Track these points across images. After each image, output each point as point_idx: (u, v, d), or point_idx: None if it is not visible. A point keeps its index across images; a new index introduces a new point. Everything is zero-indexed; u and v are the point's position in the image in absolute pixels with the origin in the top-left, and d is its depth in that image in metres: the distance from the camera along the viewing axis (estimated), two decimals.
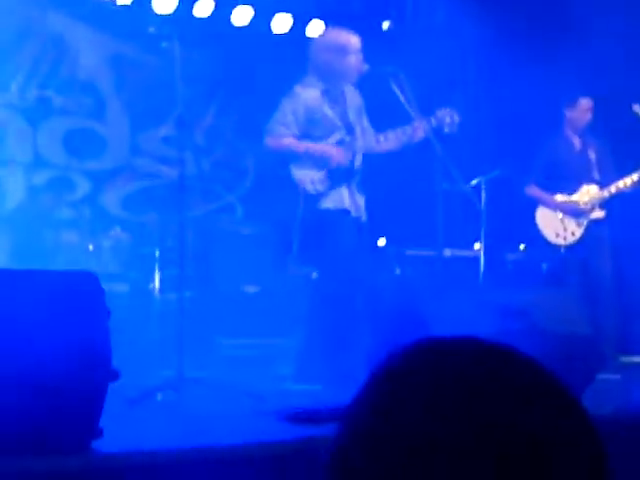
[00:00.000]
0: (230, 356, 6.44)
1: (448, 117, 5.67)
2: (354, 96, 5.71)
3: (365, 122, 5.78)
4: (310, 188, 5.40)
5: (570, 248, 6.70)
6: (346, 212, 5.49)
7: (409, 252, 7.31)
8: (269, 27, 8.44)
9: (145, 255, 6.96)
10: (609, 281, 6.62)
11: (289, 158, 5.47)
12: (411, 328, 5.06)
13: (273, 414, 4.08)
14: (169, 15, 8.01)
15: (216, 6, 8.25)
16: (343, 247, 5.37)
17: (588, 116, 6.80)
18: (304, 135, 5.49)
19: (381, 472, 0.89)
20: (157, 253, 6.92)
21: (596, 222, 6.70)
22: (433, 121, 5.62)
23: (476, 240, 6.65)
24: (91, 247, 6.88)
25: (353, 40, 5.61)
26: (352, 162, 5.59)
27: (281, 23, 8.46)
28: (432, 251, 6.58)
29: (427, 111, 5.72)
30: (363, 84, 5.76)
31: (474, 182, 6.64)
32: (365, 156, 5.71)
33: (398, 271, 7.04)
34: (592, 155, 6.79)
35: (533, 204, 6.82)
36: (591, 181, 6.76)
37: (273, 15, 8.46)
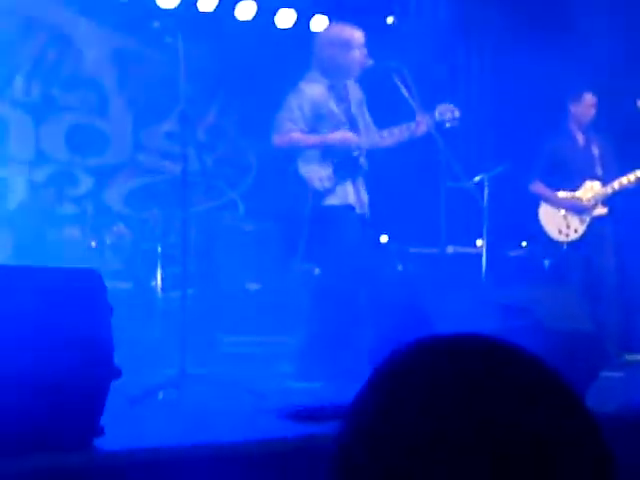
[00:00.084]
0: (232, 353, 6.44)
1: (449, 112, 5.66)
2: (356, 91, 5.70)
3: (367, 117, 5.77)
4: (318, 185, 5.38)
5: (573, 245, 6.69)
6: (351, 208, 5.48)
7: (412, 249, 7.31)
8: (273, 22, 8.44)
9: (147, 251, 6.97)
10: (612, 278, 6.61)
11: (295, 154, 5.44)
12: (414, 325, 5.05)
13: (275, 412, 4.08)
14: (173, 10, 8.01)
15: (220, 1, 8.25)
16: (347, 244, 5.36)
17: (592, 112, 6.78)
18: (311, 131, 5.47)
19: (382, 470, 0.89)
20: (159, 249, 6.93)
21: (599, 219, 6.69)
22: (437, 115, 5.61)
23: (479, 237, 6.64)
24: (93, 243, 6.88)
25: (357, 35, 5.59)
26: (357, 158, 5.57)
27: (285, 18, 8.46)
28: (435, 248, 6.58)
29: (430, 106, 5.71)
30: (367, 79, 5.75)
31: (477, 179, 6.64)
32: (368, 152, 5.69)
33: (400, 268, 7.04)
34: (596, 151, 6.77)
35: (536, 201, 6.81)
36: (594, 177, 6.75)
37: (277, 10, 8.46)
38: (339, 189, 5.44)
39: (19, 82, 7.93)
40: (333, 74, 5.58)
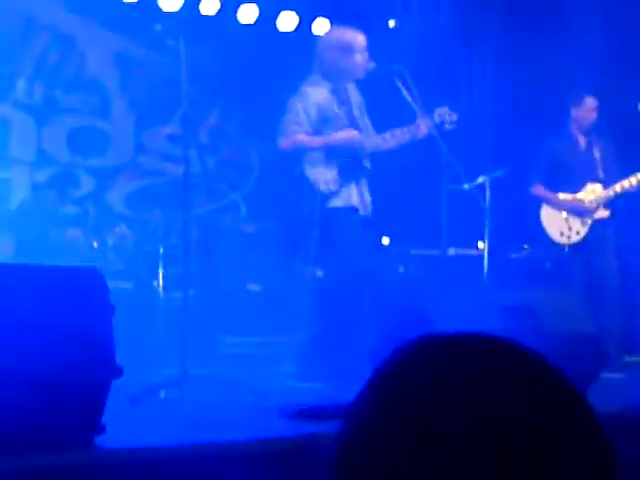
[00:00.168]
0: (233, 354, 6.44)
1: (447, 116, 5.66)
2: (355, 94, 5.71)
3: (366, 120, 5.77)
4: (323, 187, 5.37)
5: (574, 247, 6.68)
6: (354, 210, 5.48)
7: (413, 251, 7.31)
8: (275, 25, 8.45)
9: (149, 252, 6.97)
10: (613, 280, 6.61)
11: (300, 157, 5.43)
12: (415, 327, 5.05)
13: (276, 411, 4.08)
14: (175, 13, 8.02)
15: (222, 4, 8.26)
16: (350, 245, 5.36)
17: (593, 115, 6.78)
18: (315, 134, 5.47)
19: (383, 470, 0.88)
20: (161, 251, 6.93)
21: (601, 221, 6.69)
22: (436, 118, 5.61)
23: (480, 239, 6.64)
24: (95, 244, 6.89)
25: (359, 38, 5.60)
26: (361, 159, 5.58)
27: (287, 21, 8.47)
28: (436, 250, 6.58)
29: (432, 109, 5.72)
30: (368, 82, 5.75)
31: (479, 181, 6.64)
32: (370, 154, 5.70)
33: (402, 270, 7.03)
34: (597, 154, 6.77)
35: (537, 203, 6.81)
36: (596, 180, 6.75)
37: (279, 13, 8.47)
38: (343, 191, 5.44)
39: (21, 84, 7.94)
40: (335, 77, 5.58)
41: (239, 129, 8.75)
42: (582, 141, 6.84)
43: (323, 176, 5.39)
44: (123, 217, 7.71)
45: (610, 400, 4.27)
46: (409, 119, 5.71)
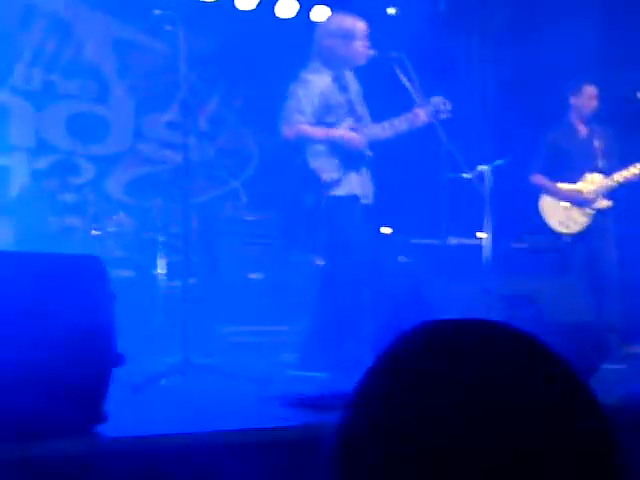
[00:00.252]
0: (234, 343, 6.44)
1: (441, 104, 5.64)
2: (354, 82, 5.68)
3: (364, 108, 5.74)
4: (326, 177, 5.35)
5: (575, 237, 6.68)
6: (355, 198, 5.46)
7: (414, 240, 7.30)
8: (274, 11, 8.41)
9: (149, 240, 6.96)
10: (614, 270, 6.60)
11: (302, 145, 5.40)
12: (416, 316, 5.05)
13: (277, 400, 4.08)
14: None
15: None
16: (351, 234, 5.34)
17: (594, 103, 6.76)
18: (318, 122, 5.43)
19: (384, 458, 0.88)
20: (161, 239, 6.92)
21: (601, 211, 6.68)
22: (431, 107, 5.59)
23: (481, 228, 6.63)
24: (95, 232, 6.87)
25: (359, 25, 5.57)
26: (362, 149, 5.56)
27: (286, 8, 8.43)
28: (436, 239, 6.57)
29: (429, 97, 5.69)
30: (368, 70, 5.73)
31: (479, 170, 6.61)
32: (370, 144, 5.68)
33: (403, 259, 7.03)
34: (597, 143, 6.75)
35: (538, 192, 6.80)
36: (596, 170, 6.73)
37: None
38: (345, 180, 5.42)
39: (20, 70, 7.91)
40: (335, 65, 5.55)
41: (238, 116, 8.73)
42: (582, 130, 6.82)
43: (325, 165, 5.36)
44: (122, 205, 7.70)
45: (610, 391, 4.27)
46: (406, 107, 5.69)
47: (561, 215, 6.72)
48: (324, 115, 5.44)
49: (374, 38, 5.65)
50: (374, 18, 5.89)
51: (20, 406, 3.06)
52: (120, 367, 3.35)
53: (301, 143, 5.38)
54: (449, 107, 5.64)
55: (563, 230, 6.71)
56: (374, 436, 0.89)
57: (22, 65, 7.93)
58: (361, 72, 5.72)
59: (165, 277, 6.77)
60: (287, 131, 5.39)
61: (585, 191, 6.69)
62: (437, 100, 5.63)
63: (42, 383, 3.12)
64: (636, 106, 6.81)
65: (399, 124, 5.65)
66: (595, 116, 6.81)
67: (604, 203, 6.67)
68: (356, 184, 5.47)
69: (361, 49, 5.55)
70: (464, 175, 6.13)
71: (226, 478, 3.11)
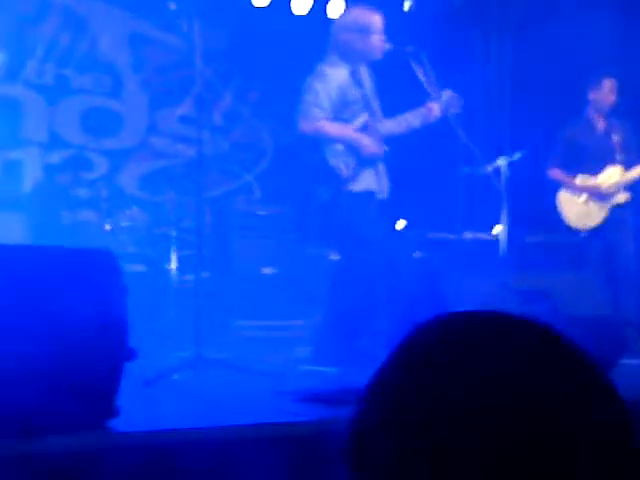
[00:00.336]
0: (247, 338, 6.44)
1: (452, 98, 5.62)
2: (367, 77, 5.66)
3: (377, 103, 5.72)
4: (343, 171, 5.32)
5: (593, 231, 6.64)
6: (371, 194, 5.44)
7: (429, 235, 7.27)
8: (289, 7, 8.39)
9: (162, 235, 6.96)
10: (632, 264, 6.57)
11: (319, 141, 5.37)
12: (430, 311, 5.02)
13: (290, 395, 4.07)
14: None
15: None
16: (367, 229, 5.32)
17: (612, 97, 6.72)
18: (335, 117, 5.40)
19: (397, 452, 0.87)
20: (174, 233, 6.92)
21: (620, 205, 6.64)
22: (443, 101, 5.56)
23: (496, 223, 6.60)
24: (108, 227, 6.88)
25: (375, 19, 5.54)
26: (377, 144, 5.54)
27: (301, 3, 8.40)
28: (452, 234, 6.55)
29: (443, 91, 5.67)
30: (384, 64, 5.70)
31: (496, 164, 6.58)
32: (385, 138, 5.65)
33: (418, 254, 7.00)
34: (616, 137, 6.72)
35: (555, 187, 6.77)
36: (615, 163, 6.69)
37: None
38: (361, 175, 5.39)
39: (33, 64, 7.92)
40: (352, 59, 5.52)
41: (252, 111, 8.72)
42: (601, 124, 6.79)
43: (342, 160, 5.34)
44: (136, 199, 7.70)
45: (628, 386, 4.24)
46: (416, 102, 5.67)
47: (579, 209, 6.69)
48: (341, 110, 5.41)
49: (390, 32, 5.63)
50: (390, 12, 5.87)
51: (31, 400, 3.06)
52: (132, 361, 3.34)
53: (318, 139, 5.35)
54: (460, 101, 5.62)
55: (581, 225, 6.68)
56: (387, 430, 0.89)
57: (35, 59, 7.95)
58: (377, 66, 5.70)
59: (178, 271, 6.78)
60: (305, 126, 5.35)
61: (604, 185, 6.66)
62: (448, 94, 5.61)
63: (54, 377, 3.11)
64: None
65: (413, 119, 5.64)
66: (613, 110, 6.77)
67: (623, 197, 6.63)
68: (372, 180, 5.45)
69: (378, 43, 5.53)
70: (484, 169, 6.10)
71: (239, 473, 3.10)
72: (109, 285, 3.39)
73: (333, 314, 5.35)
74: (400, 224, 7.42)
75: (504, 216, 6.36)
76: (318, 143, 5.35)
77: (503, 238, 6.37)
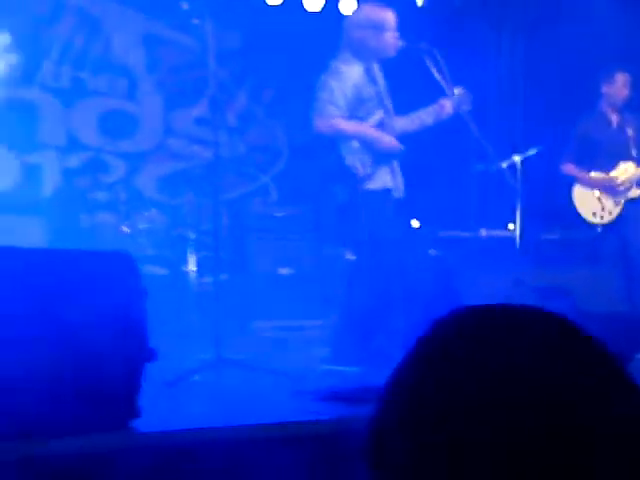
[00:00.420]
0: (266, 338, 6.45)
1: (463, 96, 5.60)
2: (380, 74, 5.65)
3: (390, 101, 5.70)
4: (360, 170, 5.31)
5: (607, 227, 6.62)
6: (388, 192, 5.43)
7: (444, 233, 7.27)
8: (302, 5, 8.39)
9: (180, 237, 6.98)
10: None
11: (336, 140, 5.35)
12: (447, 309, 5.02)
13: (311, 394, 4.08)
14: None
15: None
16: (384, 228, 5.31)
17: (625, 92, 6.70)
18: (350, 115, 5.38)
19: (416, 449, 0.88)
20: (192, 235, 6.94)
21: (634, 200, 6.61)
22: (456, 98, 5.54)
23: (511, 220, 6.59)
24: (126, 229, 6.91)
25: (389, 16, 5.52)
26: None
27: (314, 0, 8.40)
28: (468, 232, 6.54)
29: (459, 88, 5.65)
30: (395, 61, 5.69)
31: (511, 160, 6.57)
32: (399, 136, 5.65)
33: (433, 252, 7.00)
34: (630, 132, 6.69)
35: (569, 183, 6.75)
36: (629, 158, 6.67)
37: None
38: (378, 173, 5.38)
39: (48, 67, 7.95)
40: (365, 56, 5.50)
41: (267, 111, 8.72)
42: (614, 118, 6.76)
43: (360, 159, 5.32)
44: (153, 202, 7.72)
45: None
46: (429, 99, 5.65)
47: (594, 205, 6.67)
48: (356, 108, 5.39)
49: (403, 29, 5.62)
50: (403, 9, 5.86)
51: (54, 402, 3.09)
52: (153, 363, 3.37)
53: (335, 137, 5.32)
54: (470, 98, 5.60)
55: (596, 220, 6.66)
56: (405, 427, 0.89)
57: (50, 62, 7.98)
58: (390, 63, 5.69)
59: (196, 273, 6.80)
60: (320, 124, 5.31)
61: (619, 180, 6.63)
62: (459, 91, 5.59)
63: (76, 379, 3.14)
64: None
65: (426, 116, 5.62)
66: (627, 105, 6.75)
67: (638, 192, 6.61)
68: (388, 178, 5.44)
69: (391, 40, 5.52)
70: (497, 166, 6.09)
71: (260, 471, 3.11)
72: (128, 287, 3.41)
73: (350, 313, 5.35)
74: (415, 223, 7.42)
75: (519, 213, 6.35)
76: (334, 142, 5.34)
77: (518, 235, 6.37)
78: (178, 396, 4.19)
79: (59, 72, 8.00)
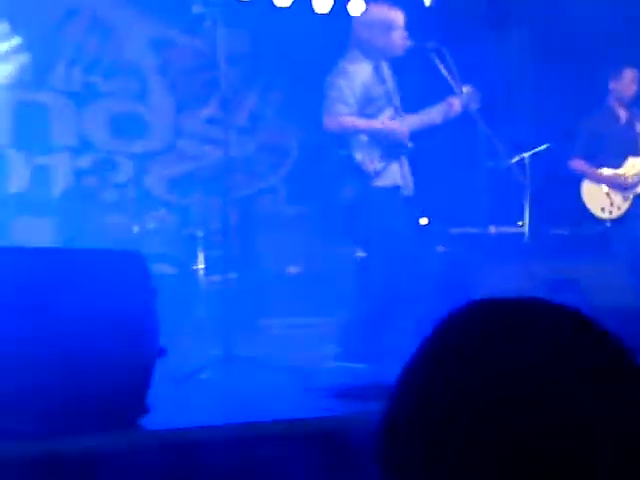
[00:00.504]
0: (275, 336, 6.46)
1: (472, 94, 5.60)
2: (389, 73, 5.65)
3: (398, 99, 5.71)
4: (370, 168, 5.31)
5: (616, 222, 6.61)
6: (397, 189, 5.43)
7: (454, 230, 7.26)
8: (311, 6, 8.40)
9: (190, 236, 7.01)
10: None
11: (345, 138, 5.35)
12: (456, 306, 5.02)
13: (320, 391, 4.09)
14: None
15: None
16: (394, 225, 5.31)
17: (633, 87, 6.68)
18: (360, 113, 5.39)
19: (427, 446, 0.87)
20: (201, 234, 6.96)
21: None
22: (464, 96, 5.54)
23: (521, 216, 6.59)
24: (136, 229, 6.93)
25: (397, 16, 5.53)
26: (403, 138, 5.53)
27: (323, 2, 8.40)
28: (477, 228, 6.54)
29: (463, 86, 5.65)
30: (404, 60, 5.70)
31: (520, 157, 6.56)
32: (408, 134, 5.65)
33: (442, 249, 7.00)
34: (639, 127, 6.68)
35: (578, 178, 6.74)
36: (638, 154, 6.66)
37: None
38: (387, 170, 5.39)
39: (60, 69, 7.99)
40: (373, 55, 5.51)
41: (277, 111, 8.74)
42: (623, 114, 6.75)
43: (369, 155, 5.33)
44: (163, 202, 7.75)
45: None
46: (437, 97, 5.66)
47: (603, 200, 6.66)
48: (365, 106, 5.39)
49: (412, 28, 5.62)
50: (411, 8, 5.86)
51: (63, 399, 3.10)
52: (163, 360, 3.38)
53: (344, 135, 5.33)
54: (478, 96, 5.60)
55: (605, 215, 6.65)
56: (415, 425, 0.88)
57: (62, 64, 8.02)
58: (399, 62, 5.69)
59: (206, 272, 6.81)
60: (330, 122, 5.32)
61: (627, 175, 6.63)
62: (467, 89, 5.60)
63: (86, 377, 3.16)
64: None
65: (434, 114, 5.62)
66: (635, 100, 6.73)
67: None
68: (398, 175, 5.44)
69: (399, 39, 5.52)
70: (507, 162, 6.09)
71: (270, 468, 3.12)
72: (138, 286, 3.43)
73: (360, 311, 5.36)
74: (424, 221, 7.42)
75: (528, 209, 6.35)
76: (343, 140, 5.35)
77: (528, 231, 6.37)
78: (188, 393, 4.21)
79: (71, 74, 8.04)
